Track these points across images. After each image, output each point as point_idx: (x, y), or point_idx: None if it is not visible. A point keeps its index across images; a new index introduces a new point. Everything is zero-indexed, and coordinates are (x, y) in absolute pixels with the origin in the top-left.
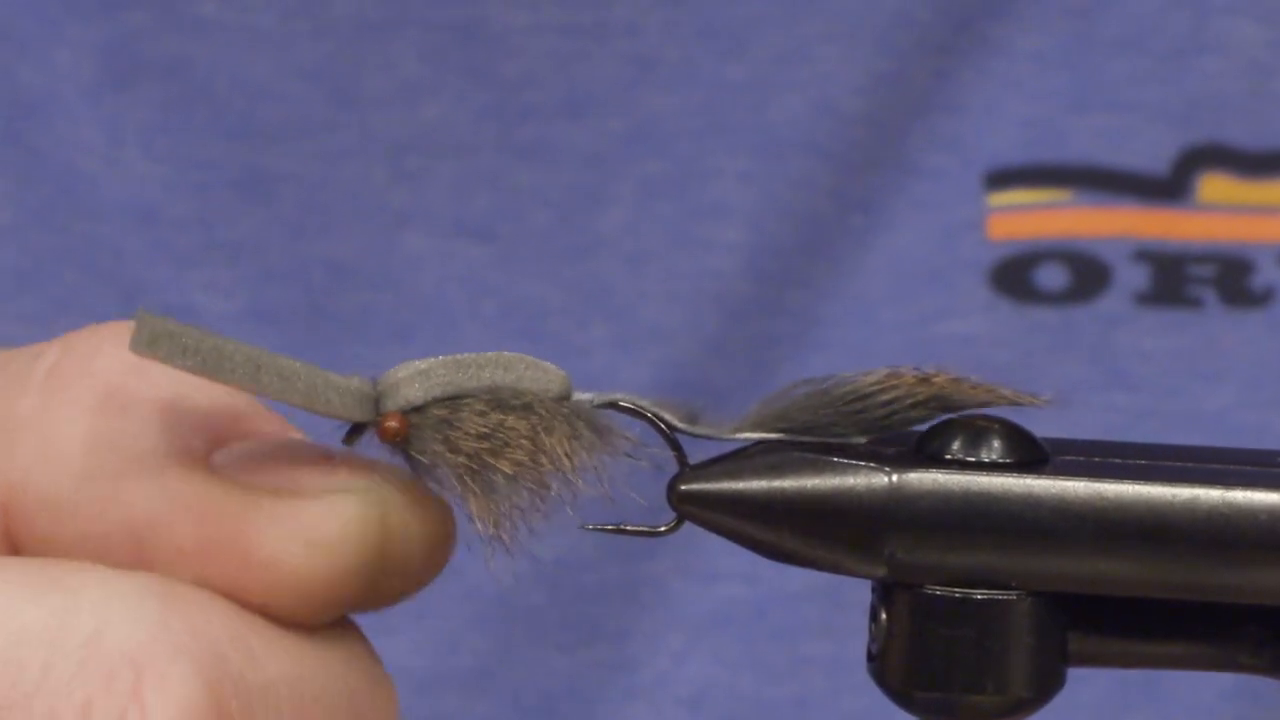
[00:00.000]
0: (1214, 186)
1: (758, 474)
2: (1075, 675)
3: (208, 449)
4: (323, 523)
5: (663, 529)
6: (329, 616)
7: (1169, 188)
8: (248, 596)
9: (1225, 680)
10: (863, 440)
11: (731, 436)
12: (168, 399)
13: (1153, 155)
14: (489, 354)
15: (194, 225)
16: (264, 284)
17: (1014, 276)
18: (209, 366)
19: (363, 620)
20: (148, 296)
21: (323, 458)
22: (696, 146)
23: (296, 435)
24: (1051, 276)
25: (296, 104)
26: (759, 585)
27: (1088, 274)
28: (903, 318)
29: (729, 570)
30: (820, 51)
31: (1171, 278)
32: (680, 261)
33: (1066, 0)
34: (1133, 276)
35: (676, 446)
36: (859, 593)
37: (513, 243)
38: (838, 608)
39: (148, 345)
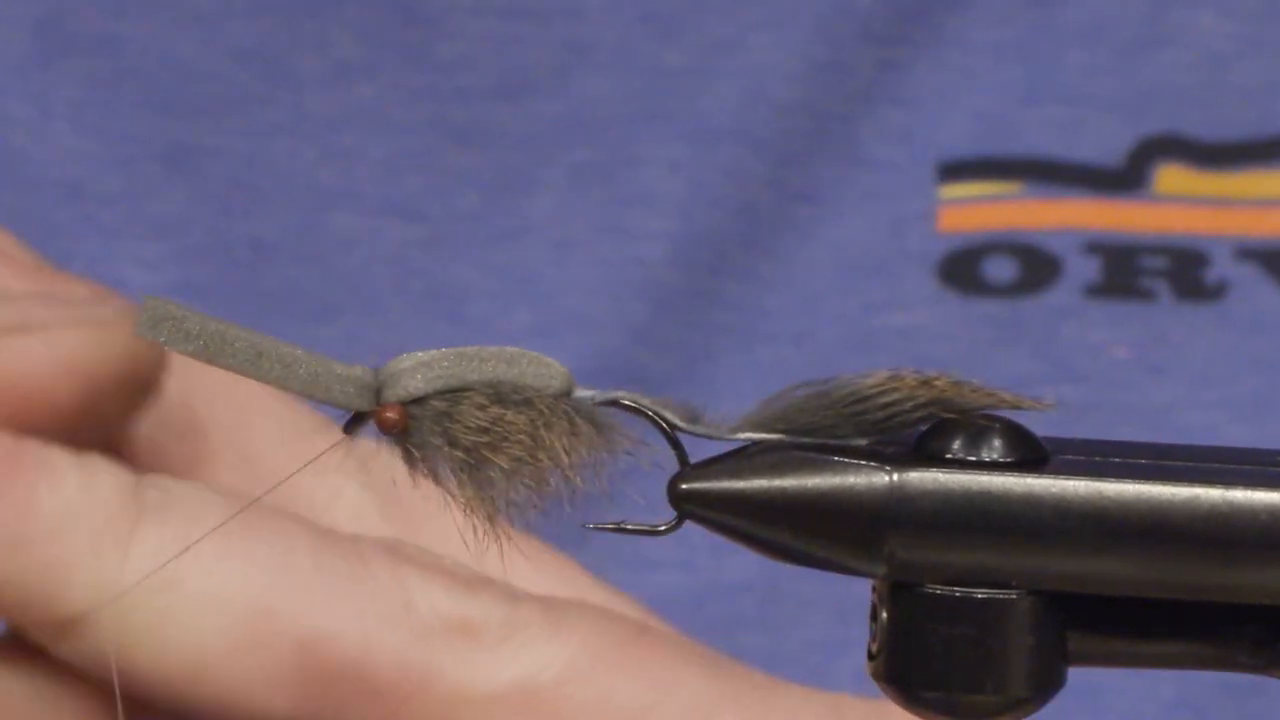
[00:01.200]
0: (1171, 177)
1: (758, 473)
2: None
3: None
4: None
5: (663, 528)
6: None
7: (1124, 179)
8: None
9: (1167, 691)
10: (862, 442)
11: (732, 436)
12: None
13: (1107, 147)
14: (493, 347)
15: (122, 199)
16: (191, 259)
17: (962, 269)
18: (211, 351)
19: None
20: (76, 269)
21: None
22: (628, 133)
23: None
24: (1000, 268)
25: (227, 81)
26: (695, 575)
27: (1037, 266)
28: (847, 309)
29: (665, 559)
30: (757, 39)
31: (1123, 269)
32: (608, 249)
33: None
34: (1083, 268)
35: (677, 445)
36: (797, 585)
37: (441, 224)
38: (775, 600)
39: (150, 329)
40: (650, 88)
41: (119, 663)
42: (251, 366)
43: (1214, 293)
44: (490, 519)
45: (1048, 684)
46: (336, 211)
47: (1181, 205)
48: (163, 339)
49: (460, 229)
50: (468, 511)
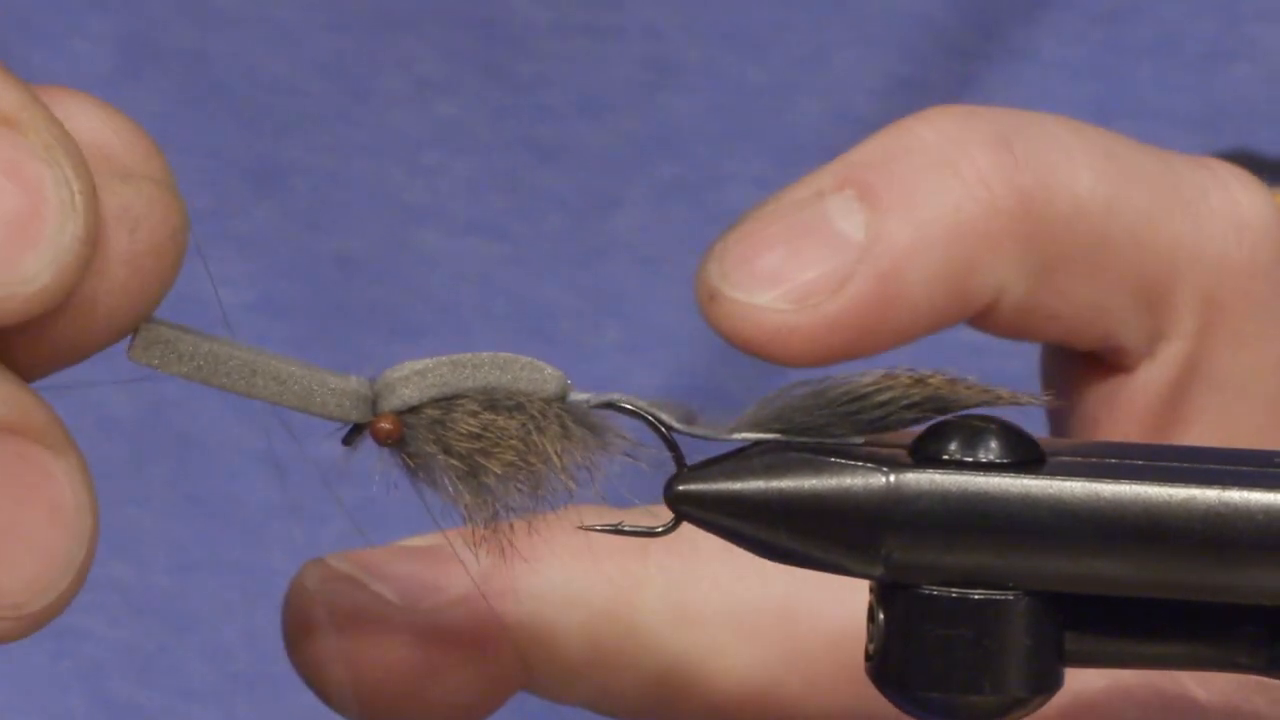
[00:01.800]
0: None
1: (755, 474)
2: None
3: None
4: None
5: (660, 530)
6: None
7: None
8: None
9: None
10: (859, 441)
11: (729, 437)
12: None
13: None
14: (486, 354)
15: (208, 216)
16: (276, 276)
17: None
18: (205, 373)
19: None
20: None
21: None
22: (712, 149)
23: None
24: None
25: (312, 97)
26: None
27: None
28: None
29: None
30: (840, 55)
31: None
32: (693, 266)
33: (1095, 7)
34: None
35: (674, 447)
36: None
37: (526, 242)
38: None
39: (143, 353)
40: (734, 104)
41: None
42: (245, 385)
43: None
44: (489, 524)
45: (1045, 684)
46: (421, 229)
47: None
48: (155, 363)
49: (545, 247)
50: (468, 517)
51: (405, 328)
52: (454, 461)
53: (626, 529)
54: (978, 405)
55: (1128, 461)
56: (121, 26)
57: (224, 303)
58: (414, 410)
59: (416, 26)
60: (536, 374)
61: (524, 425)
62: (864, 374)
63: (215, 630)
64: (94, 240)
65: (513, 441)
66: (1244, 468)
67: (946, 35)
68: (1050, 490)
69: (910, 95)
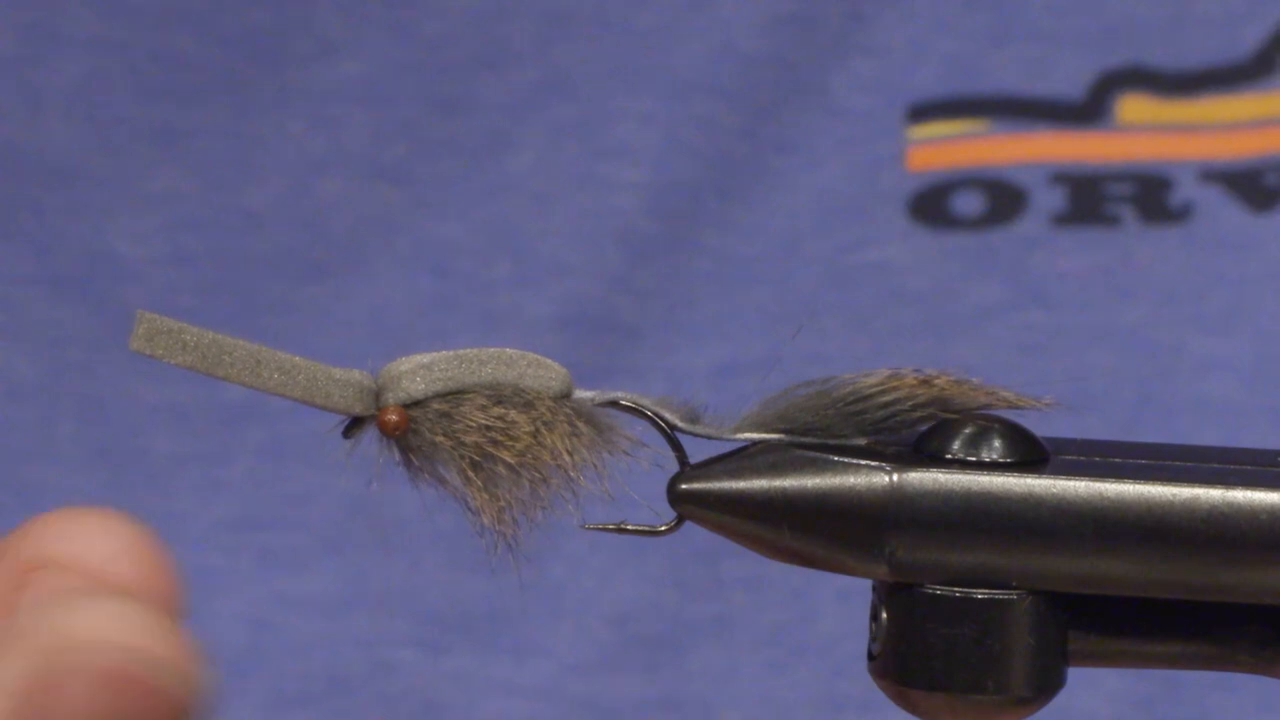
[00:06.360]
0: (1133, 107)
1: (758, 473)
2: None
3: None
4: None
5: (663, 528)
6: None
7: (1087, 111)
8: None
9: None
10: (863, 441)
11: (732, 436)
12: None
13: (1070, 81)
14: (491, 349)
15: (113, 181)
16: (181, 230)
17: (931, 205)
18: (209, 362)
19: (272, 553)
20: (69, 249)
21: None
22: (602, 91)
23: None
24: (968, 203)
25: (216, 69)
26: None
27: (1004, 199)
28: (821, 251)
29: None
30: None
31: (1089, 198)
32: (584, 201)
33: None
34: (1050, 199)
35: (677, 445)
36: None
37: (425, 186)
38: None
39: (147, 342)
40: (624, 48)
41: None
42: (250, 375)
43: (1179, 215)
44: (498, 517)
45: (1049, 684)
46: (324, 178)
47: (1145, 133)
48: (160, 352)
49: (443, 189)
50: (478, 509)
51: (310, 270)
52: (465, 453)
53: (629, 528)
54: (983, 407)
55: (1131, 461)
56: (25, 16)
57: (133, 257)
58: (419, 404)
59: None
60: (542, 371)
61: (534, 421)
62: (869, 374)
63: None
64: None
65: (524, 436)
66: (1247, 467)
67: None
68: (1054, 490)
69: (795, 32)
